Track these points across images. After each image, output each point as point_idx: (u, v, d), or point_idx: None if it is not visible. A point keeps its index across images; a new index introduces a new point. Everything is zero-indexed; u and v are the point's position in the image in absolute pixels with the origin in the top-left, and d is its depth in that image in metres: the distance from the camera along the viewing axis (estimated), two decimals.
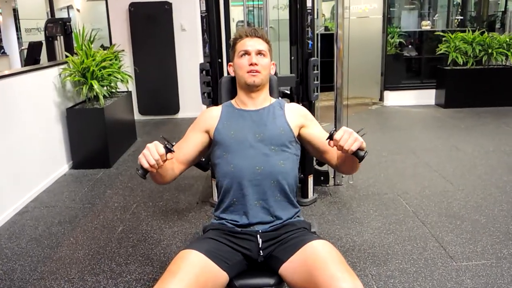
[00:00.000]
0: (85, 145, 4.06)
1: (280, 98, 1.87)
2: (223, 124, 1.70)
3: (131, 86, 5.33)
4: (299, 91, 3.03)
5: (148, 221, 2.99)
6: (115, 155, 4.28)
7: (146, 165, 1.36)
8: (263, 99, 1.75)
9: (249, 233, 1.61)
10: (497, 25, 10.87)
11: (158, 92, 6.07)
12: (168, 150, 1.42)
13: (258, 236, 1.60)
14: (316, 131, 1.74)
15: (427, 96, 6.70)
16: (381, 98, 6.87)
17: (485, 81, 6.22)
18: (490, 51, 6.02)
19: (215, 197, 3.17)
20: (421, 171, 3.81)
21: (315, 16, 2.99)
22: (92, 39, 4.42)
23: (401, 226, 2.83)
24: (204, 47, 2.90)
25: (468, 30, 6.25)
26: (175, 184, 3.64)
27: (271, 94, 1.83)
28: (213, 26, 2.86)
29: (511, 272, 2.30)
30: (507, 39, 6.03)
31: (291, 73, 3.25)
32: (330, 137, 1.42)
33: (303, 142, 1.77)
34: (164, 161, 1.43)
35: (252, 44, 1.68)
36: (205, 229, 1.72)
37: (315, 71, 2.94)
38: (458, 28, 7.77)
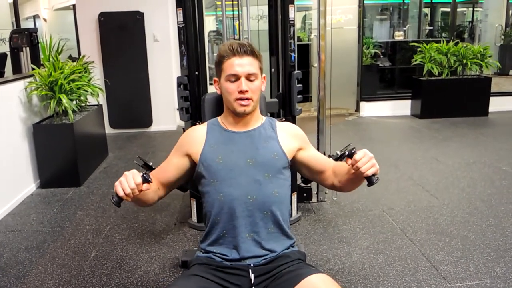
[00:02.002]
0: (53, 162, 3.82)
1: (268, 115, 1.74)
2: (209, 148, 1.55)
3: (102, 99, 5.11)
4: (282, 106, 2.90)
5: (123, 245, 2.79)
6: (85, 173, 4.05)
7: (121, 194, 1.31)
8: (254, 120, 1.61)
9: (240, 267, 1.46)
10: (465, 35, 11.12)
11: (130, 105, 5.84)
12: (145, 180, 1.35)
13: (250, 270, 1.45)
14: (313, 153, 1.66)
15: (403, 107, 6.71)
16: (357, 109, 6.84)
17: (460, 91, 6.27)
18: (464, 61, 6.08)
19: (194, 218, 3.02)
20: (405, 185, 3.74)
21: None
22: (60, 50, 4.19)
23: (390, 245, 2.73)
24: (181, 59, 2.75)
25: (443, 41, 6.29)
26: None
27: (260, 111, 1.69)
28: (190, 38, 2.71)
29: None
30: (481, 50, 6.11)
31: (271, 85, 3.13)
32: (350, 156, 1.41)
33: (297, 165, 1.64)
34: (140, 191, 1.33)
35: (241, 65, 1.51)
36: (190, 263, 1.56)
37: (298, 85, 2.83)
38: (428, 39, 7.87)
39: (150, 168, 2.47)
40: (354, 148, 1.42)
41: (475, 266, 2.46)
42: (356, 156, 1.37)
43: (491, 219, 3.03)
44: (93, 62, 4.58)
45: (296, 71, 2.81)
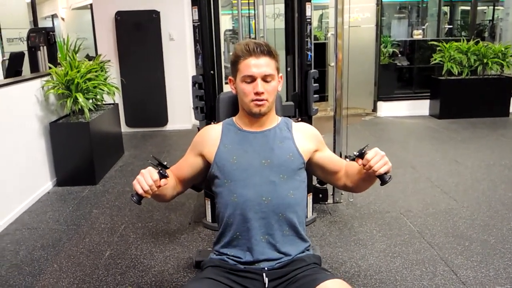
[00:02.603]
0: (69, 161, 3.84)
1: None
2: (224, 148, 1.52)
3: (118, 98, 5.13)
4: (298, 105, 2.86)
5: (138, 245, 2.78)
6: (101, 171, 4.07)
7: (140, 191, 1.33)
8: (269, 121, 1.58)
9: (253, 271, 1.43)
10: (485, 34, 10.91)
11: (146, 104, 5.86)
12: (162, 176, 1.37)
13: (264, 274, 1.42)
14: (329, 154, 1.64)
15: (421, 107, 6.60)
16: (375, 109, 6.75)
17: (480, 91, 6.14)
18: (485, 60, 5.95)
19: (209, 218, 3.00)
20: (423, 187, 3.67)
21: None
22: (77, 49, 4.22)
23: (408, 248, 2.67)
24: (196, 58, 2.73)
25: (463, 40, 6.17)
26: (165, 203, 3.44)
27: (275, 111, 1.65)
28: (206, 36, 2.69)
29: None
30: (502, 49, 5.97)
31: (286, 84, 3.09)
32: (361, 156, 1.39)
33: (312, 166, 1.60)
34: (158, 187, 1.35)
35: (258, 66, 1.46)
36: (203, 265, 1.53)
37: (314, 84, 2.78)
38: (447, 38, 7.73)
39: (165, 167, 2.46)
40: (365, 147, 1.40)
41: (495, 271, 2.39)
42: (368, 156, 1.36)
43: None
44: (109, 61, 4.61)
45: (313, 70, 2.77)
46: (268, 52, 1.49)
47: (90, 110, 3.90)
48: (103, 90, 4.01)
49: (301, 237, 1.51)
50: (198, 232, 2.94)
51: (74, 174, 3.84)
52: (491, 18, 11.46)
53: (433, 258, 2.55)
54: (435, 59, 6.18)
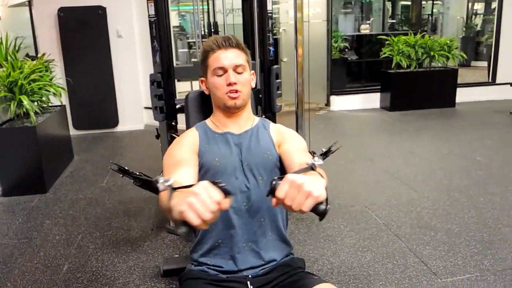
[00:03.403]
0: (16, 168, 3.56)
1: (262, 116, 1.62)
2: (205, 149, 1.41)
3: (65, 99, 4.85)
4: (261, 102, 2.79)
5: (98, 256, 2.61)
6: (51, 178, 3.81)
7: (196, 222, 0.85)
8: (246, 119, 1.49)
9: (237, 279, 1.34)
10: (426, 28, 11.32)
11: (94, 104, 5.57)
12: (227, 193, 0.92)
13: (249, 283, 1.33)
14: (291, 147, 1.39)
15: (372, 100, 6.73)
16: (328, 103, 6.82)
17: (428, 83, 6.34)
18: (432, 53, 6.15)
19: (172, 223, 2.87)
20: (383, 179, 3.71)
21: None
22: (17, 48, 3.92)
23: (376, 242, 2.67)
24: (154, 55, 2.59)
25: (410, 34, 6.34)
26: (123, 209, 3.27)
27: None
28: (163, 32, 2.55)
29: (497, 285, 2.20)
30: (448, 42, 6.19)
31: None
32: (271, 192, 0.97)
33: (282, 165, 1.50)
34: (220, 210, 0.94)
35: (227, 57, 1.40)
36: (181, 278, 1.42)
37: (278, 80, 2.72)
38: (393, 32, 7.93)
39: (127, 173, 2.31)
40: (274, 180, 0.98)
41: (463, 260, 2.43)
42: (279, 193, 0.94)
43: (472, 211, 3.03)
44: (53, 60, 4.32)
45: (276, 66, 2.71)
46: (237, 44, 1.43)
47: (35, 113, 3.63)
48: (49, 92, 3.75)
49: (284, 240, 1.44)
50: (162, 239, 2.80)
51: (21, 183, 3.57)
52: (430, 12, 11.95)
53: (402, 250, 2.57)
54: (384, 53, 6.32)
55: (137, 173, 2.21)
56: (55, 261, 2.56)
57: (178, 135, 2.74)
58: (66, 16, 5.30)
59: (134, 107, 5.78)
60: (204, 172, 1.37)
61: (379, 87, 6.69)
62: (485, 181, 3.58)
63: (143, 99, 5.83)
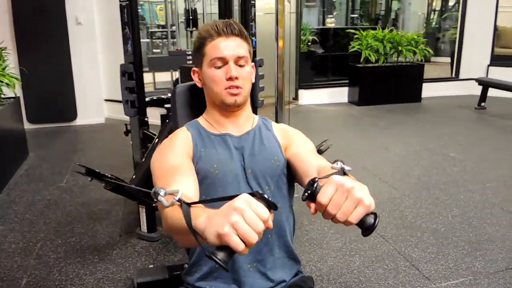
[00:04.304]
0: None
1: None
2: (201, 153, 1.20)
3: (18, 90, 4.45)
4: None
5: (61, 267, 2.33)
6: (3, 178, 3.45)
7: (240, 247, 0.69)
8: (246, 118, 1.29)
9: None
10: (379, 22, 11.42)
11: (51, 96, 5.15)
12: (272, 207, 0.74)
13: None
14: (300, 149, 1.23)
15: (340, 94, 6.66)
16: (296, 97, 6.69)
17: (396, 78, 6.34)
18: (400, 48, 6.13)
19: (144, 227, 2.63)
20: (362, 176, 3.60)
21: None
22: None
23: (363, 245, 2.54)
24: (125, 44, 2.32)
25: (379, 28, 6.30)
26: (87, 212, 2.99)
27: None
28: (136, 18, 2.30)
29: None
30: (415, 37, 6.19)
31: None
32: (310, 196, 0.82)
33: (290, 168, 1.31)
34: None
35: (229, 47, 1.20)
36: None
37: (260, 73, 2.52)
38: (362, 26, 7.92)
39: (96, 176, 2.06)
40: (315, 178, 0.83)
41: (454, 262, 2.35)
42: (322, 198, 0.79)
43: (455, 209, 2.97)
44: (5, 48, 3.92)
45: (259, 58, 2.51)
46: (240, 32, 1.23)
47: None
48: (1, 82, 3.38)
49: (293, 257, 1.26)
50: (133, 245, 2.56)
51: None
52: (392, 8, 12.07)
53: (391, 253, 2.45)
54: (353, 47, 6.25)
55: (109, 176, 1.96)
56: (12, 274, 2.27)
57: (151, 133, 2.50)
58: (20, 1, 4.84)
59: (94, 99, 5.42)
60: (199, 181, 1.15)
61: (347, 81, 6.63)
62: (463, 177, 3.55)
63: (104, 91, 5.48)
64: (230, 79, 1.19)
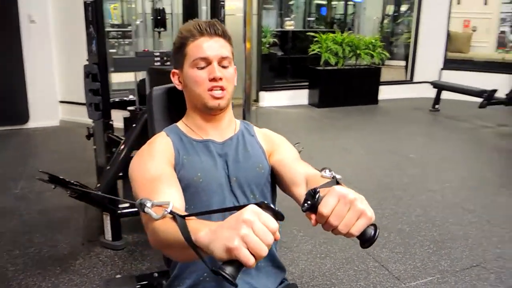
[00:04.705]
0: None
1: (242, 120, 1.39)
2: (183, 161, 1.15)
3: None
4: None
5: (20, 280, 2.19)
6: None
7: (251, 262, 0.67)
8: (228, 123, 1.25)
9: None
10: (334, 26, 11.67)
11: (1, 97, 4.87)
12: (280, 218, 0.74)
13: None
14: (286, 156, 1.22)
15: (301, 96, 6.71)
16: (257, 99, 6.68)
17: (354, 81, 6.46)
18: (358, 51, 6.26)
19: (108, 235, 2.52)
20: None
21: None
22: None
23: (333, 246, 2.56)
24: (89, 44, 2.22)
25: (337, 31, 6.41)
26: (45, 220, 2.83)
27: None
28: (101, 16, 2.20)
29: (459, 286, 2.18)
30: (373, 40, 6.34)
31: None
32: (311, 207, 0.82)
33: (274, 176, 1.28)
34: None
35: (212, 47, 1.16)
36: None
37: None
38: (328, 29, 8.03)
39: (61, 183, 1.95)
40: (317, 189, 0.82)
41: (421, 261, 2.40)
42: (324, 208, 0.79)
43: (417, 209, 3.05)
44: None
45: None
46: (223, 33, 1.19)
47: None
48: None
49: (278, 265, 1.23)
50: (97, 255, 2.45)
51: None
52: (347, 12, 12.36)
53: (360, 254, 2.48)
54: (313, 50, 6.31)
55: (74, 183, 1.86)
56: None
57: (116, 136, 2.40)
58: None
59: (48, 101, 5.17)
60: (182, 189, 1.09)
61: (307, 83, 6.69)
62: (423, 178, 3.65)
63: (59, 92, 5.24)
64: (213, 79, 1.15)
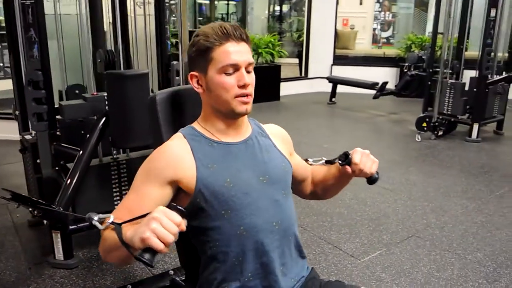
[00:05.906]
0: None
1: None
2: (207, 169, 1.14)
3: None
4: None
5: None
6: None
7: (160, 247, 0.87)
8: (246, 125, 1.27)
9: None
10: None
11: None
12: (182, 213, 0.93)
13: None
14: (298, 158, 1.43)
15: None
16: None
17: (257, 79, 6.64)
18: (259, 50, 6.50)
19: (59, 254, 2.35)
20: None
21: None
22: None
23: None
24: (30, 48, 2.04)
25: None
26: None
27: None
28: (42, 19, 2.04)
29: (404, 254, 2.47)
30: (272, 40, 6.63)
31: None
32: (345, 160, 1.28)
33: None
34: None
35: (240, 53, 1.14)
36: None
37: (177, 77, 2.48)
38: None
39: (25, 201, 1.81)
40: (347, 152, 1.28)
41: (367, 238, 2.66)
42: (355, 159, 1.25)
43: (348, 193, 3.32)
44: None
45: (176, 62, 2.46)
46: (247, 37, 1.19)
47: None
48: None
49: (303, 254, 1.31)
50: (50, 276, 2.26)
51: None
52: (225, 12, 12.65)
53: (314, 239, 2.66)
54: None
55: (39, 201, 1.77)
56: None
57: (67, 147, 2.25)
58: None
59: None
60: (213, 196, 1.12)
61: None
62: None
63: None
64: (243, 86, 1.16)
